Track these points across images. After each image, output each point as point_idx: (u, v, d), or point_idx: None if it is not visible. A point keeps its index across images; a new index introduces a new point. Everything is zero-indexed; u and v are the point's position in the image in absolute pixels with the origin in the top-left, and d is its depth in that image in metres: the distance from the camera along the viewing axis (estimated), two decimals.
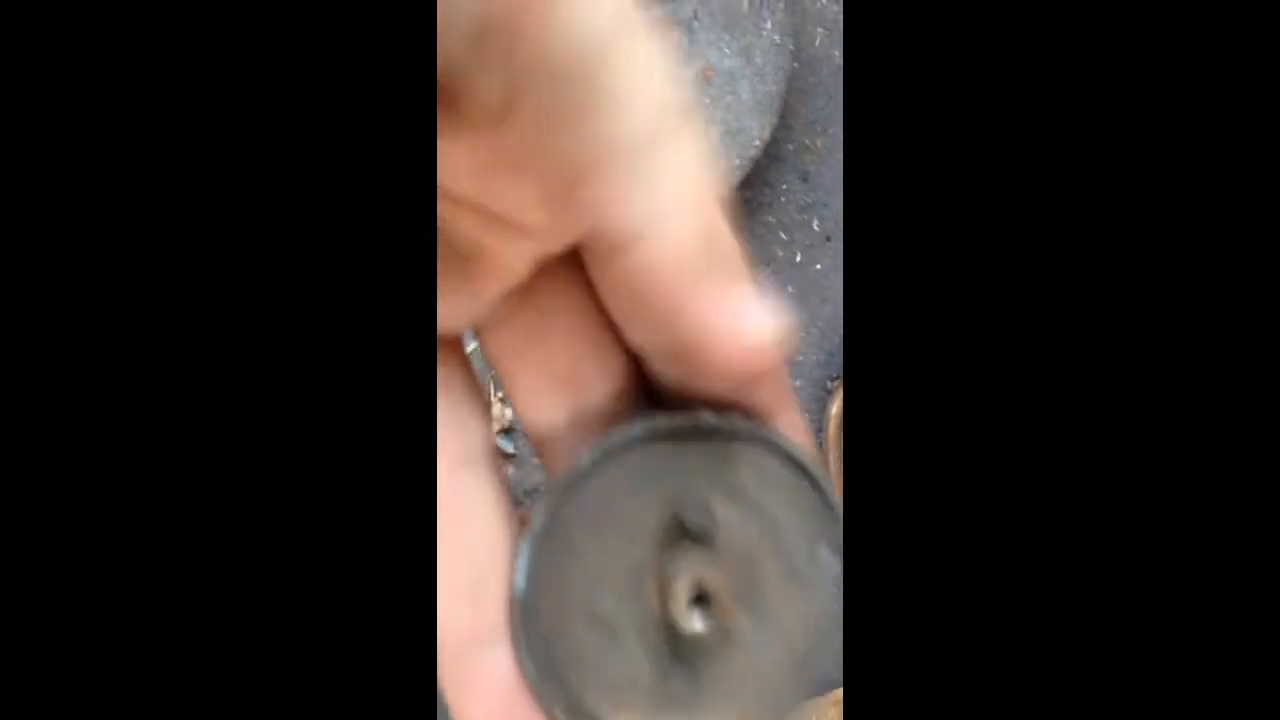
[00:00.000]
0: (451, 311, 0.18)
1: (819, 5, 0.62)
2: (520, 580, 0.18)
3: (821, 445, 0.60)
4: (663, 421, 0.18)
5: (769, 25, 0.57)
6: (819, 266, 0.62)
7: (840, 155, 0.63)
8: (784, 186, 0.63)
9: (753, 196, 0.61)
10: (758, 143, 0.57)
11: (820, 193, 0.63)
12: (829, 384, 0.62)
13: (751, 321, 0.17)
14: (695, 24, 0.56)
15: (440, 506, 0.17)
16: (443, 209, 0.17)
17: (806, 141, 0.63)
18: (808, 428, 0.20)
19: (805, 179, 0.63)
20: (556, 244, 0.16)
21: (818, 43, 0.63)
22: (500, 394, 0.54)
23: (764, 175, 0.62)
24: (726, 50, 0.56)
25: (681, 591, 0.17)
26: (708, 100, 0.55)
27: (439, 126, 0.16)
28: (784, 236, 0.62)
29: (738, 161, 0.56)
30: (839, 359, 0.63)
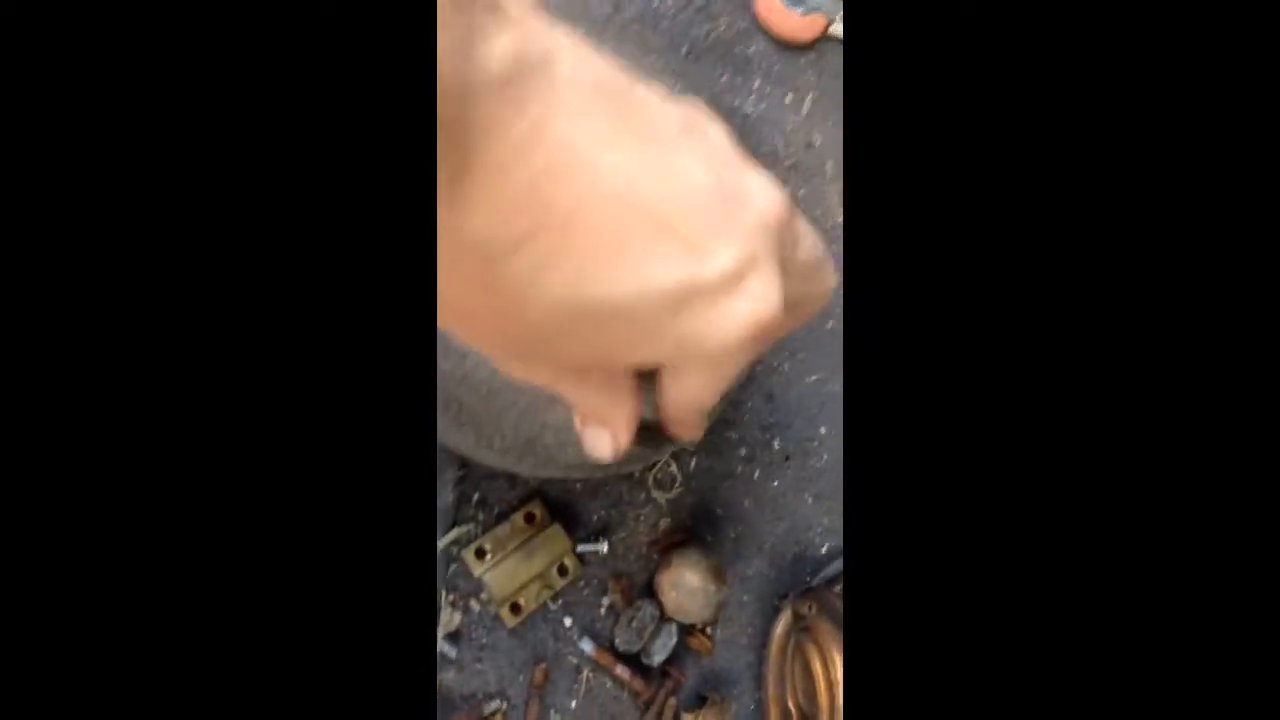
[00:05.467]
0: None
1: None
2: None
3: (763, 662, 0.61)
4: None
5: None
6: (776, 484, 0.65)
7: (805, 379, 0.67)
8: (749, 406, 0.67)
9: (718, 412, 0.65)
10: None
11: (784, 413, 0.66)
12: (776, 602, 0.64)
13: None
14: None
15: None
16: None
17: (775, 364, 0.67)
18: None
19: (770, 399, 0.66)
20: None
21: None
22: (451, 598, 0.58)
23: (730, 392, 0.66)
24: None
25: None
26: None
27: None
28: (744, 453, 0.65)
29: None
30: (789, 576, 0.65)
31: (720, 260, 0.25)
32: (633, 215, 0.24)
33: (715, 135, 0.28)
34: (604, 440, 0.32)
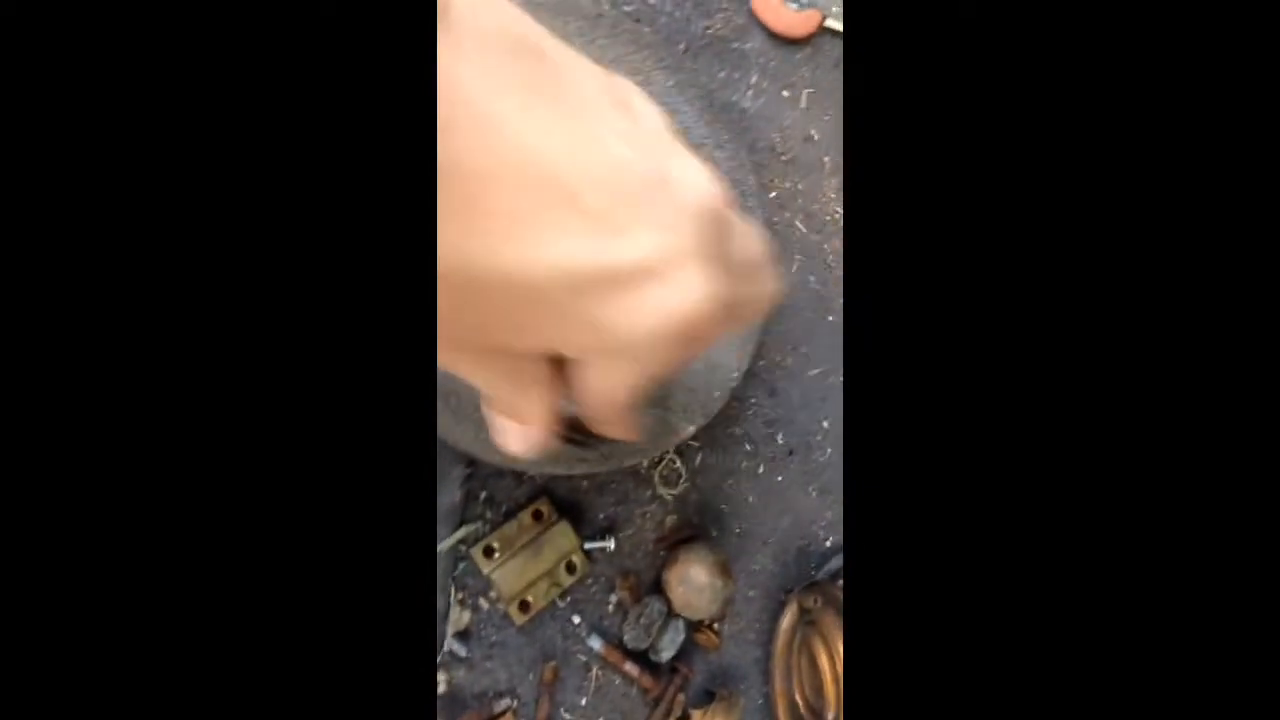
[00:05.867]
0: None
1: (799, 234, 0.67)
2: None
3: (770, 656, 0.61)
4: None
5: None
6: (780, 479, 0.65)
7: (808, 373, 0.67)
8: (752, 401, 0.67)
9: (722, 409, 0.65)
10: (735, 374, 0.59)
11: (786, 409, 0.66)
12: (782, 596, 0.64)
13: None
14: None
15: None
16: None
17: (777, 359, 0.68)
18: None
19: (773, 394, 0.67)
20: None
21: (795, 269, 0.68)
22: (460, 596, 0.58)
23: (733, 389, 0.66)
24: None
25: None
26: None
27: None
28: (748, 448, 0.65)
29: (717, 393, 0.58)
30: (794, 570, 0.65)
31: (637, 245, 0.23)
32: (537, 182, 0.21)
33: (645, 112, 0.25)
34: (517, 434, 0.29)
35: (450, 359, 0.25)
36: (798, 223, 0.66)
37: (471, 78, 0.20)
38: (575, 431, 0.34)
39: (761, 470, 0.65)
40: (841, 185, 0.67)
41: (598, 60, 0.25)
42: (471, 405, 0.51)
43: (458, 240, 0.21)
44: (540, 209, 0.21)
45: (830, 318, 0.67)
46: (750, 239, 0.28)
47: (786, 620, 0.61)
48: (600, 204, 0.22)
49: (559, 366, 0.28)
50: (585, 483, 0.61)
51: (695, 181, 0.25)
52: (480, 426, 0.51)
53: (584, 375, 0.26)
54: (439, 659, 0.56)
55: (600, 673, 0.59)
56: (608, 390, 0.26)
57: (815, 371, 0.67)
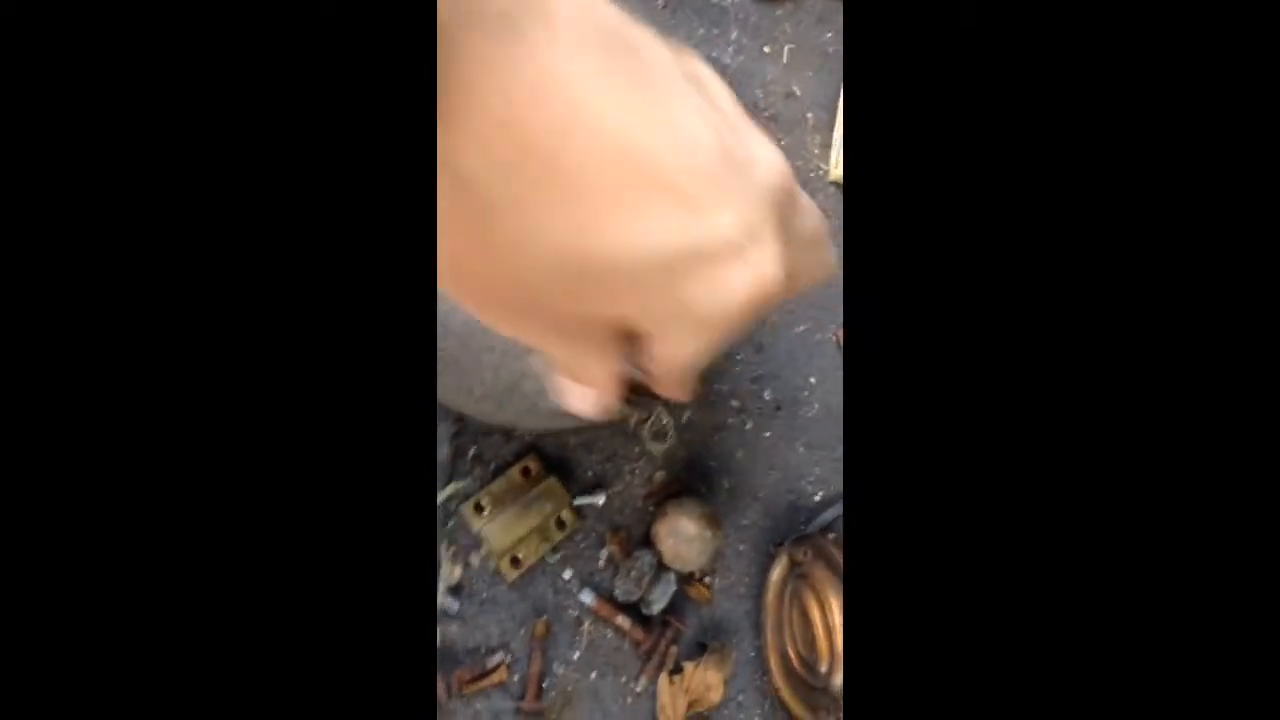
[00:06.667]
0: None
1: None
2: None
3: (762, 610, 0.62)
4: None
5: None
6: (768, 434, 0.66)
7: (795, 329, 0.68)
8: (739, 357, 0.67)
9: (708, 366, 0.65)
10: None
11: (773, 364, 0.67)
12: (771, 549, 0.64)
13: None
14: None
15: None
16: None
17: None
18: None
19: (759, 350, 0.67)
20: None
21: None
22: (452, 550, 0.58)
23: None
24: None
25: None
26: None
27: None
28: (735, 404, 0.66)
29: None
30: (783, 524, 0.65)
31: (722, 224, 0.24)
32: (634, 171, 0.23)
33: (718, 92, 0.27)
34: (589, 398, 0.31)
35: (519, 328, 0.27)
36: None
37: (574, 76, 0.21)
38: (634, 392, 0.35)
39: (749, 426, 0.65)
40: (824, 141, 0.67)
41: None
42: (448, 360, 0.51)
43: (553, 224, 0.22)
44: (633, 193, 0.23)
45: None
46: (812, 213, 0.30)
47: (777, 573, 0.61)
48: (688, 186, 0.23)
49: (624, 331, 0.28)
50: (573, 440, 0.61)
51: (769, 159, 0.26)
52: (459, 380, 0.51)
53: (659, 346, 0.27)
54: None
55: (592, 627, 0.60)
56: (678, 358, 0.28)
57: (801, 328, 0.67)
